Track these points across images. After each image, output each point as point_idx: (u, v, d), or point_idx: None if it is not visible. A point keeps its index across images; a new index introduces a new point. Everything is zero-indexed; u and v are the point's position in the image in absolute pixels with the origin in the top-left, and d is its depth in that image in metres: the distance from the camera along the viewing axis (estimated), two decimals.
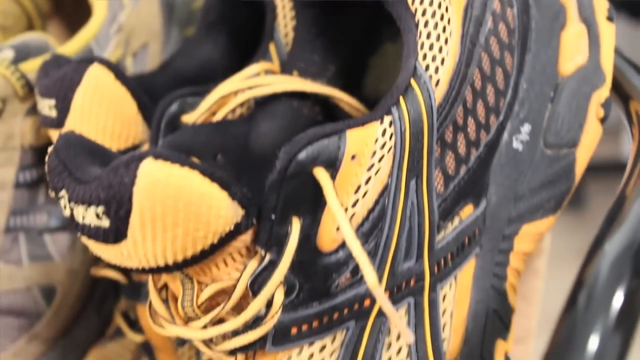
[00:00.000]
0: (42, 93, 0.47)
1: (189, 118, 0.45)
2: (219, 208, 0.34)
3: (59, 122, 0.46)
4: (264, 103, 0.46)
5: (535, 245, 0.44)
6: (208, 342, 0.39)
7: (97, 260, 0.55)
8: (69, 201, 0.36)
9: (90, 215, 0.35)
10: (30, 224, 0.54)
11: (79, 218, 0.36)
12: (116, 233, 0.35)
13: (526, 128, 0.42)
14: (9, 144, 0.52)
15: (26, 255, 0.54)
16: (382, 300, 0.34)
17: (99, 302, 0.57)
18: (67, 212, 0.37)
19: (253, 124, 0.45)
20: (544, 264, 0.54)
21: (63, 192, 0.36)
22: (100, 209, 0.34)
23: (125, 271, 0.51)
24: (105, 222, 0.35)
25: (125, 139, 0.46)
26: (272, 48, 0.48)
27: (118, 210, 0.34)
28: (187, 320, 0.39)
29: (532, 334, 0.56)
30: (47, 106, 0.47)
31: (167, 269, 0.36)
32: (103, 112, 0.45)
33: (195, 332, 0.38)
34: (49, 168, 0.38)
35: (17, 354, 0.54)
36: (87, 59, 0.45)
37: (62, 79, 0.45)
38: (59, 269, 0.54)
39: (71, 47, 0.53)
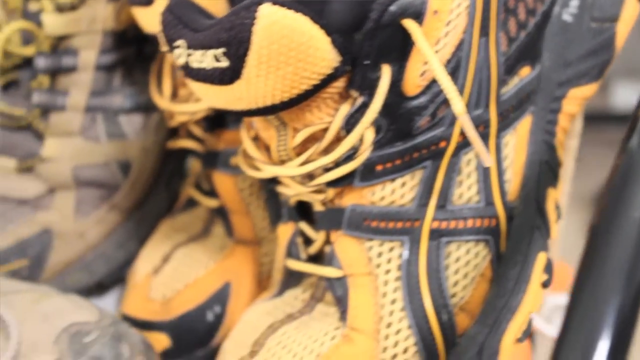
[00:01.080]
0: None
1: None
2: (323, 51, 0.39)
3: (148, 0, 0.51)
4: None
5: (579, 109, 0.49)
6: (302, 180, 0.44)
7: (168, 139, 0.60)
8: (188, 48, 0.41)
9: (208, 59, 0.40)
10: (107, 105, 0.59)
11: (194, 64, 0.41)
12: (233, 72, 0.40)
13: (575, 2, 0.48)
14: (92, 28, 0.57)
15: (104, 133, 0.59)
16: (467, 125, 0.39)
17: (167, 180, 0.62)
18: (181, 61, 0.42)
19: None
20: (576, 144, 0.60)
21: (180, 42, 0.41)
22: (220, 51, 0.39)
23: (201, 141, 0.56)
24: (224, 63, 0.40)
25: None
26: None
27: (238, 49, 0.39)
28: (281, 163, 0.44)
29: (563, 212, 0.61)
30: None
31: (272, 109, 0.41)
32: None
33: (292, 170, 0.43)
34: (163, 23, 0.43)
35: (99, 221, 0.59)
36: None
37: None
38: (133, 147, 0.59)
39: None
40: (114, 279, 0.60)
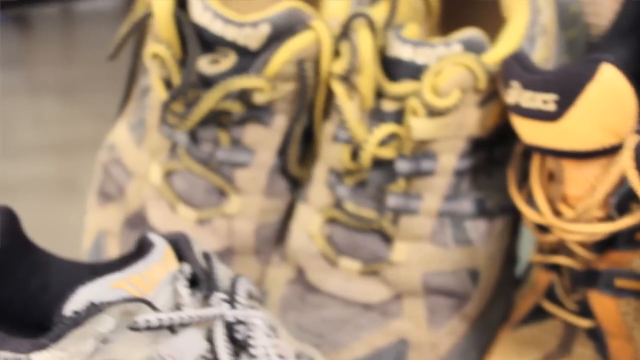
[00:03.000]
0: (536, 88, 0.50)
1: None
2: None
3: (555, 116, 0.49)
4: None
5: None
6: None
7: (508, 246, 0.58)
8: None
9: None
10: (455, 210, 0.57)
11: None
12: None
13: None
14: (458, 133, 0.55)
15: (452, 239, 0.57)
16: None
17: (505, 287, 0.60)
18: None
19: None
20: None
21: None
22: None
23: (577, 257, 0.53)
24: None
25: (616, 134, 0.49)
26: None
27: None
28: None
29: None
30: (540, 100, 0.50)
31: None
32: (608, 108, 0.48)
33: None
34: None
35: (451, 332, 0.57)
36: (594, 59, 0.48)
37: (571, 76, 0.48)
38: (480, 254, 0.58)
39: (505, 47, 0.56)
40: None
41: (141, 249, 0.48)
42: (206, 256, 0.48)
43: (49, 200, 0.91)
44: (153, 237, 0.48)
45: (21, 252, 0.47)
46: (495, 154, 0.58)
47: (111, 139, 0.65)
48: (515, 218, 0.59)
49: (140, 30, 0.62)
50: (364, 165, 0.55)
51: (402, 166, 0.55)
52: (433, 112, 0.54)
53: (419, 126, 0.54)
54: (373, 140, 0.54)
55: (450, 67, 0.53)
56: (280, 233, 0.63)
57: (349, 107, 0.55)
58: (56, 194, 0.93)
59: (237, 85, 0.56)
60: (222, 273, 0.47)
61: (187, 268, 0.46)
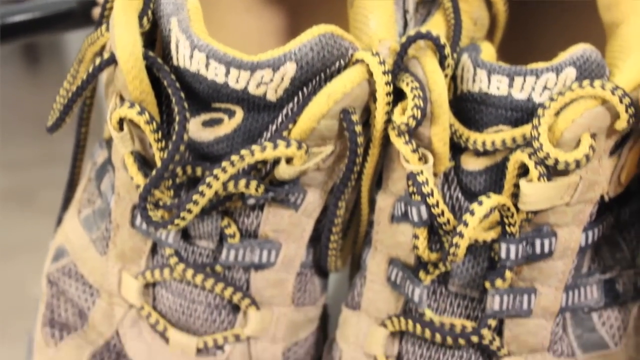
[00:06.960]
0: None
1: None
2: None
3: None
4: None
5: None
6: None
7: None
8: None
9: None
10: (577, 302, 0.40)
11: None
12: None
13: None
14: (586, 196, 0.38)
15: (577, 344, 0.40)
16: None
17: None
18: None
19: None
20: None
21: None
22: None
23: None
24: None
25: None
26: None
27: None
28: None
29: None
30: None
31: None
32: None
33: None
34: None
35: None
36: None
37: None
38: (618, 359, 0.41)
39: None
40: None
41: None
42: None
43: None
44: None
45: None
46: (622, 216, 0.41)
47: (57, 242, 0.45)
48: None
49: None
50: (457, 256, 0.37)
51: (510, 252, 0.38)
52: (554, 171, 0.37)
53: (535, 192, 0.37)
54: (473, 222, 0.36)
55: (578, 102, 0.36)
56: (315, 350, 0.45)
57: (428, 173, 0.37)
58: None
59: (258, 158, 0.37)
60: None
61: None
